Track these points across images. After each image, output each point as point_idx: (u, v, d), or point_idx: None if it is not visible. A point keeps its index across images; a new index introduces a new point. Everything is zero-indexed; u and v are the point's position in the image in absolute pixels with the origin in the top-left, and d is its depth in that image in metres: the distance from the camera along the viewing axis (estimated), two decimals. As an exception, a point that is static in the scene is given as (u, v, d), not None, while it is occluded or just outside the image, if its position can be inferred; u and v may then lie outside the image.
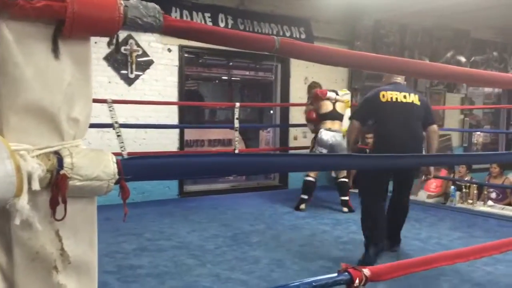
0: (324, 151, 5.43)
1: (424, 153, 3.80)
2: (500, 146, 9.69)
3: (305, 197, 5.55)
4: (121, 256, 3.68)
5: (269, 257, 3.73)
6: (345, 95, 6.08)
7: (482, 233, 4.70)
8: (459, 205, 6.18)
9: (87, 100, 0.98)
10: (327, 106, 5.58)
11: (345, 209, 5.47)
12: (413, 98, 3.72)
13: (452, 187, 6.56)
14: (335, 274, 1.31)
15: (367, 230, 3.71)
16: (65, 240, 0.94)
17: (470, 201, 6.15)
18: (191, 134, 6.97)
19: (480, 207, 6.13)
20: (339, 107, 5.62)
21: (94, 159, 0.93)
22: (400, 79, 3.89)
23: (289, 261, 3.64)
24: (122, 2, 0.96)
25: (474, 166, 7.21)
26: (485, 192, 6.42)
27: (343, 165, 2.30)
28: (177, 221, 4.84)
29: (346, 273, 1.30)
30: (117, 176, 0.95)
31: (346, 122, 5.40)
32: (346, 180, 5.56)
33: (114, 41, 1.00)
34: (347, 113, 5.62)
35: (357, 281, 1.28)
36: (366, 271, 1.32)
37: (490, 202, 6.34)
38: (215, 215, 5.14)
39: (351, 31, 7.37)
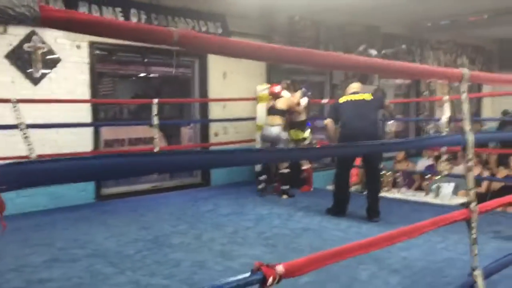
0: (266, 144, 6.11)
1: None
2: (410, 134, 10.22)
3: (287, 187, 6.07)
4: (30, 269, 3.40)
5: (191, 258, 3.63)
6: (265, 89, 6.39)
7: (398, 219, 4.88)
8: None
9: None
10: (269, 103, 6.22)
11: (285, 196, 6.02)
12: (364, 96, 5.08)
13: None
14: (247, 274, 1.25)
15: (336, 189, 5.11)
16: None
17: (386, 189, 6.41)
18: (110, 133, 6.66)
19: (394, 194, 6.41)
20: (279, 103, 6.10)
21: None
22: (357, 89, 5.22)
23: (212, 262, 3.57)
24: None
25: (384, 154, 7.52)
26: (391, 178, 6.67)
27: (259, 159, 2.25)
28: (93, 227, 4.58)
29: (259, 272, 1.24)
30: (-15, 188, 0.81)
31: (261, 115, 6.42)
32: (285, 171, 6.05)
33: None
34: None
35: (270, 279, 1.23)
36: (280, 268, 1.28)
37: (403, 189, 6.64)
38: (135, 218, 4.93)
39: (268, 26, 7.40)
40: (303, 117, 6.38)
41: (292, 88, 6.51)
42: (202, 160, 1.48)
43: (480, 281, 2.05)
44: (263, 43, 1.51)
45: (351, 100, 5.05)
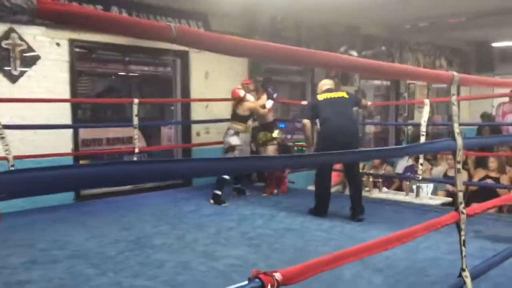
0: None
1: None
2: (390, 135, 10.33)
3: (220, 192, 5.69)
4: (8, 271, 3.32)
5: (174, 259, 3.60)
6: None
7: (380, 219, 4.93)
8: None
9: None
10: (233, 104, 6.13)
11: (234, 193, 6.14)
12: (342, 94, 5.20)
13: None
14: (246, 282, 1.23)
15: (317, 189, 5.12)
16: None
17: (367, 189, 6.46)
18: (88, 133, 6.55)
19: (376, 194, 6.46)
20: (241, 108, 5.93)
21: None
22: (331, 85, 5.30)
23: (195, 262, 3.54)
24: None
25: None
26: (371, 180, 6.69)
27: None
28: (73, 227, 4.49)
29: (257, 280, 1.23)
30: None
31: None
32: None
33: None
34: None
35: (268, 287, 1.22)
36: (278, 275, 1.26)
37: (385, 189, 6.70)
38: (116, 219, 4.86)
39: (250, 26, 7.38)
40: (270, 118, 6.32)
41: (260, 89, 6.35)
42: (188, 169, 1.46)
43: (469, 282, 2.07)
44: (264, 42, 1.50)
45: (330, 97, 5.08)
